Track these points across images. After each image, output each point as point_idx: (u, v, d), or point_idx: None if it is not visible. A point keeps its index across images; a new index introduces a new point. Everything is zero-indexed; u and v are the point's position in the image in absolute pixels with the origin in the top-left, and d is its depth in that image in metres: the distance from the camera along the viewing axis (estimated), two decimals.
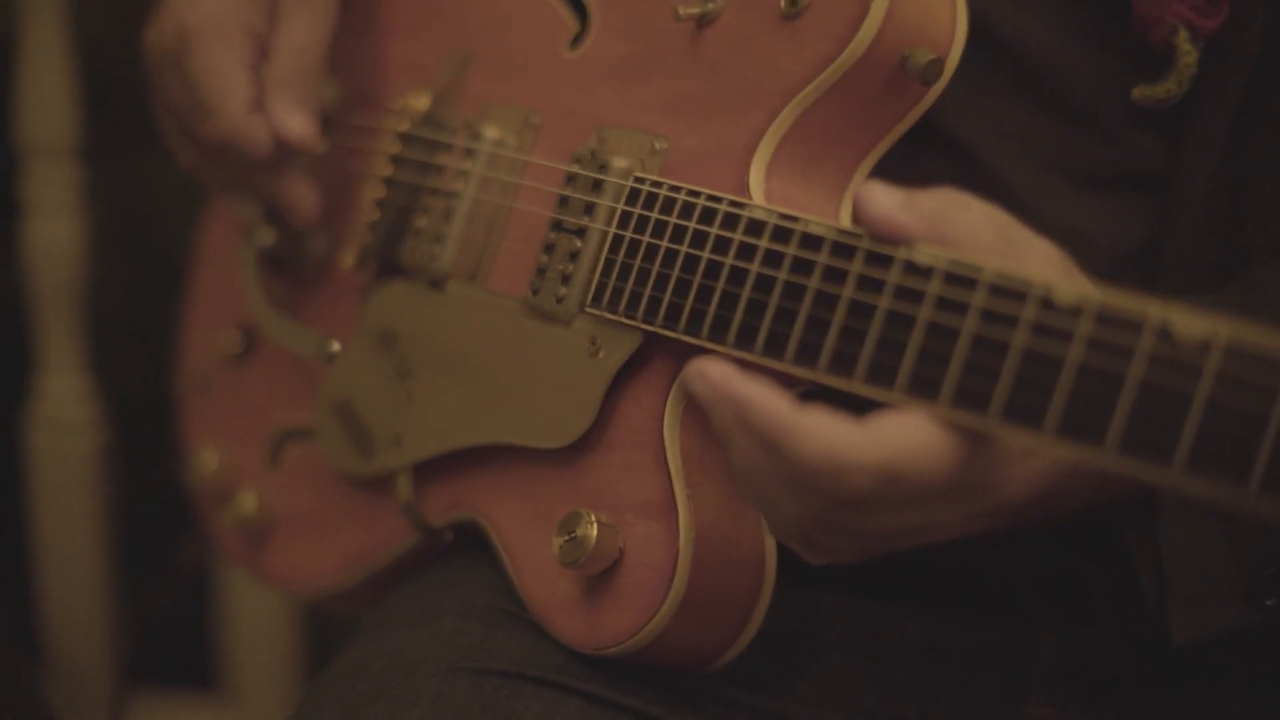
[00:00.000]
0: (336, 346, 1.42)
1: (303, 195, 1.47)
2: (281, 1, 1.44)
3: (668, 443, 1.23)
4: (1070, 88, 1.30)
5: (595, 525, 1.22)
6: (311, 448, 1.47)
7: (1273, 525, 1.05)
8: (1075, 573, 1.32)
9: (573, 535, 1.23)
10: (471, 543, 1.35)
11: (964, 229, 1.08)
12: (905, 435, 1.04)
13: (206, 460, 1.56)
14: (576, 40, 1.37)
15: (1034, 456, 1.09)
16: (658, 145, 1.27)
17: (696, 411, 1.22)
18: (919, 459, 1.04)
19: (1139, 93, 1.26)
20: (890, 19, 1.20)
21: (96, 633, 2.07)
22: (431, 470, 1.37)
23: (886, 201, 1.08)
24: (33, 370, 2.04)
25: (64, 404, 2.03)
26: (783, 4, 1.23)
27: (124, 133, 2.31)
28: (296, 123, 1.43)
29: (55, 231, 1.99)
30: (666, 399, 1.23)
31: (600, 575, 1.23)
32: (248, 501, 1.51)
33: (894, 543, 1.11)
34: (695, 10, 1.27)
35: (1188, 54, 1.23)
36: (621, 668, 1.25)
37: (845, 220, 1.22)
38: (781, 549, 1.27)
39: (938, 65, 1.21)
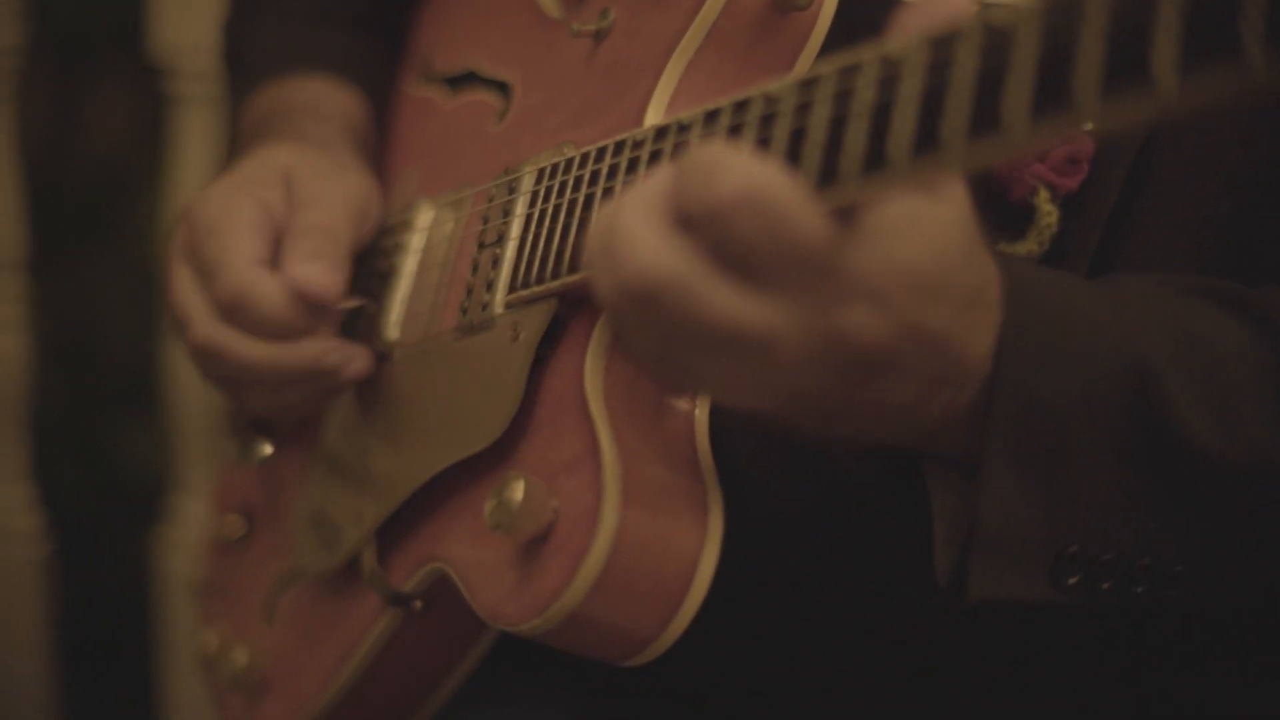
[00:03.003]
0: (269, 450, 1.44)
1: (353, 353, 1.35)
2: (297, 182, 1.38)
3: (589, 394, 1.17)
4: None
5: (523, 483, 1.16)
6: (299, 588, 1.46)
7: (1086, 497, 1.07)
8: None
9: (500, 497, 1.17)
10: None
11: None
12: None
13: (209, 642, 1.54)
14: (503, 115, 1.39)
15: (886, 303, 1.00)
16: (566, 150, 1.26)
17: (618, 367, 1.19)
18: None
19: (1001, 250, 1.21)
20: None
21: None
22: (393, 538, 1.33)
23: None
24: None
25: (7, 514, 2.03)
26: None
27: (67, 245, 2.34)
28: (310, 270, 1.32)
29: (0, 344, 2.00)
30: (585, 356, 1.19)
31: (537, 541, 1.16)
32: (239, 657, 1.48)
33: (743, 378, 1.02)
34: (590, 27, 1.29)
35: (1048, 214, 1.20)
36: None
37: None
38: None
39: None
